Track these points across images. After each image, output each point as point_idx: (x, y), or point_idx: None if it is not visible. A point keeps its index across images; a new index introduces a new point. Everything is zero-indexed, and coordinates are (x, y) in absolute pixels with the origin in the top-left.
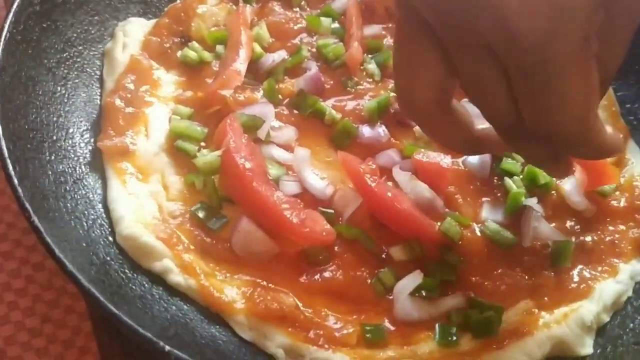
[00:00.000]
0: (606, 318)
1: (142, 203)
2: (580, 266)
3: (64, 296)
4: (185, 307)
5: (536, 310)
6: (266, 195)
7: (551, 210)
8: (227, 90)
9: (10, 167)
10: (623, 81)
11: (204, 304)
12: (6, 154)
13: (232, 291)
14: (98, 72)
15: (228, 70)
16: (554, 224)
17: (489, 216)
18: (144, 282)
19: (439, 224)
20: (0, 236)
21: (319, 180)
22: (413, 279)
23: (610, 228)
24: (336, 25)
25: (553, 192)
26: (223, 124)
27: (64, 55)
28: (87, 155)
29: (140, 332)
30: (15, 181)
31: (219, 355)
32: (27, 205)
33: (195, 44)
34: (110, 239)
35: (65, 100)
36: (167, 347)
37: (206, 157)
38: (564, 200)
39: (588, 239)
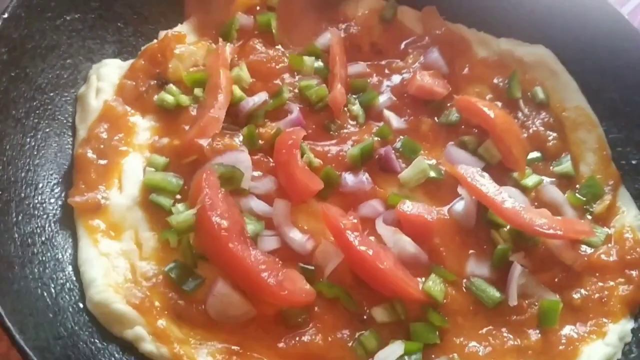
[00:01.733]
0: None
1: (114, 264)
2: (567, 326)
3: None
4: None
5: None
6: (242, 257)
7: (539, 262)
8: (204, 139)
9: None
10: (614, 123)
11: None
12: None
13: (206, 359)
14: (70, 119)
15: (206, 117)
16: (541, 278)
17: (475, 270)
18: (115, 352)
19: (423, 279)
20: None
21: (299, 235)
22: (393, 351)
23: (600, 284)
24: (320, 63)
25: (541, 245)
26: (199, 179)
27: (34, 103)
28: (58, 212)
29: None
30: None
31: None
32: None
33: (172, 87)
34: (80, 305)
35: (35, 153)
36: None
37: (180, 215)
38: (551, 252)
39: (576, 295)
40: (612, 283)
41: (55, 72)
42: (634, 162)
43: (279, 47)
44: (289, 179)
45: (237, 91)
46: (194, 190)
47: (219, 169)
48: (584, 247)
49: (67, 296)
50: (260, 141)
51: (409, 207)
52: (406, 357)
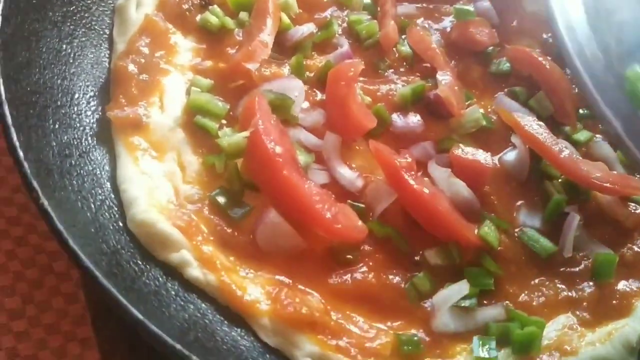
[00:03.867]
0: None
1: (157, 184)
2: (622, 281)
3: (49, 275)
4: (203, 305)
5: (577, 327)
6: (297, 185)
7: (590, 218)
8: (252, 63)
9: (15, 137)
10: None
11: (224, 302)
12: (10, 121)
13: (255, 290)
14: (107, 31)
15: (254, 41)
16: (591, 233)
17: (526, 221)
18: (158, 276)
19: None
20: None
21: (349, 171)
22: (458, 290)
23: None
24: (368, 0)
25: (592, 200)
26: (250, 102)
27: (71, 8)
28: (94, 126)
29: (169, 343)
30: (21, 154)
31: None
32: (35, 183)
33: (216, 8)
34: (120, 224)
35: (71, 61)
36: None
37: (231, 137)
38: (603, 208)
39: (628, 252)
40: None
41: None
42: None
43: None
44: (343, 113)
45: (285, 19)
46: (245, 113)
47: (268, 95)
48: (633, 205)
49: (106, 213)
50: (307, 73)
51: (463, 151)
52: (462, 302)
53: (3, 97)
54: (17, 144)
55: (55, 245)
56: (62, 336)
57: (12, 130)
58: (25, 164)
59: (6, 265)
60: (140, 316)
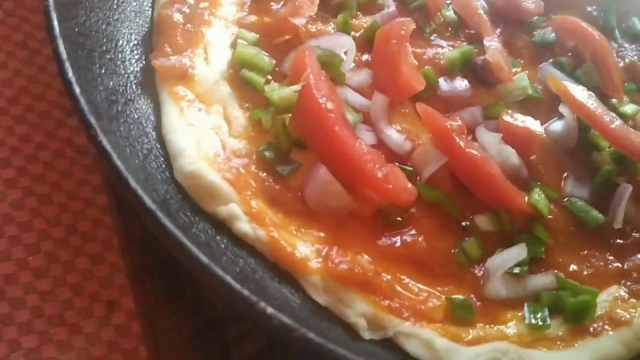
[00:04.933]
0: None
1: (203, 136)
2: None
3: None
4: (253, 261)
5: (629, 299)
6: (349, 143)
7: (637, 192)
8: (299, 18)
9: (70, 72)
10: None
11: (274, 259)
12: (64, 56)
13: (305, 248)
14: None
15: None
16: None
17: (574, 191)
18: (207, 228)
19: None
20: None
21: (396, 133)
22: (516, 255)
23: None
24: None
25: None
26: (300, 56)
27: None
28: (138, 74)
29: (237, 289)
30: (77, 89)
31: (296, 320)
32: (92, 120)
33: None
34: (167, 174)
35: (115, 7)
36: (270, 309)
37: (281, 91)
38: None
39: None
40: None
41: None
42: None
43: None
44: (392, 73)
45: None
46: (295, 68)
47: (316, 52)
48: None
49: (153, 163)
50: (352, 32)
51: (513, 117)
52: (512, 268)
53: (57, 31)
54: (72, 78)
55: (80, 204)
56: (87, 297)
57: (67, 65)
58: (82, 100)
59: (30, 222)
60: (206, 260)
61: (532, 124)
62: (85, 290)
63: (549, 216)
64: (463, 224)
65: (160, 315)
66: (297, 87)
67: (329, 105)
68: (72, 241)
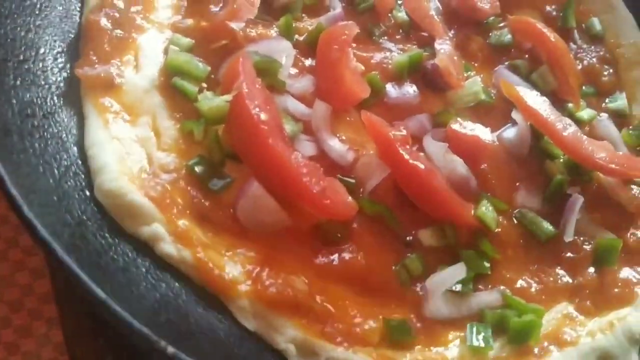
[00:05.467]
0: None
1: (128, 150)
2: (625, 268)
3: (14, 249)
4: (176, 285)
5: (577, 316)
6: (283, 156)
7: (591, 201)
8: (237, 22)
9: None
10: None
11: (200, 282)
12: None
13: (234, 268)
14: None
15: None
16: (592, 217)
17: (525, 202)
18: (128, 251)
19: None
20: None
21: (339, 144)
22: (454, 274)
23: None
24: None
25: (595, 182)
26: (234, 63)
27: None
28: (61, 84)
29: (136, 328)
30: None
31: (217, 350)
32: None
33: None
34: (87, 192)
35: (37, 12)
36: (170, 349)
37: (212, 101)
38: (606, 191)
39: (631, 237)
40: None
41: None
42: None
43: None
44: (334, 80)
45: None
46: (228, 76)
47: (254, 57)
48: (635, 189)
49: (72, 181)
50: (296, 36)
51: (462, 126)
52: (455, 285)
53: None
54: None
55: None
56: (27, 314)
57: None
58: None
59: None
60: (103, 296)
61: (482, 132)
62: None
63: (497, 229)
64: (407, 239)
65: (84, 345)
66: (228, 97)
67: (263, 116)
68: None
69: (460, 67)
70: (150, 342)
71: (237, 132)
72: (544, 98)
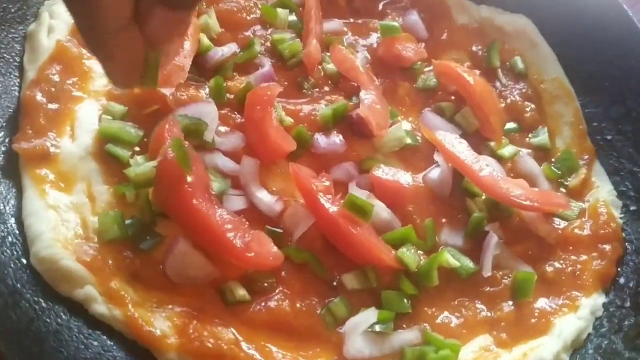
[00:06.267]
0: (565, 358)
1: (64, 218)
2: (541, 299)
3: None
4: (109, 342)
5: (494, 348)
6: (207, 215)
7: (512, 234)
8: (167, 88)
9: None
10: (591, 98)
11: (131, 337)
12: None
13: (163, 324)
14: (17, 59)
15: (170, 65)
16: (514, 250)
17: (448, 240)
18: (61, 313)
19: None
20: None
21: (267, 196)
22: (366, 318)
23: (573, 257)
24: (293, 17)
25: (516, 217)
26: (161, 129)
27: None
28: (0, 158)
29: None
30: None
31: None
32: None
33: None
34: (23, 260)
35: None
36: None
37: (139, 167)
38: (526, 224)
39: (549, 268)
40: (585, 257)
41: (2, 5)
42: (609, 137)
43: None
44: (260, 137)
45: (205, 40)
46: (155, 141)
47: (182, 121)
48: (557, 221)
49: (8, 250)
50: (228, 95)
51: (384, 172)
52: (377, 326)
53: None
54: None
55: None
56: None
57: None
58: None
59: None
60: None
61: (402, 177)
62: None
63: (416, 269)
64: (333, 283)
65: None
66: (154, 162)
67: (188, 178)
68: None
69: (384, 115)
70: None
71: (164, 194)
72: (462, 140)
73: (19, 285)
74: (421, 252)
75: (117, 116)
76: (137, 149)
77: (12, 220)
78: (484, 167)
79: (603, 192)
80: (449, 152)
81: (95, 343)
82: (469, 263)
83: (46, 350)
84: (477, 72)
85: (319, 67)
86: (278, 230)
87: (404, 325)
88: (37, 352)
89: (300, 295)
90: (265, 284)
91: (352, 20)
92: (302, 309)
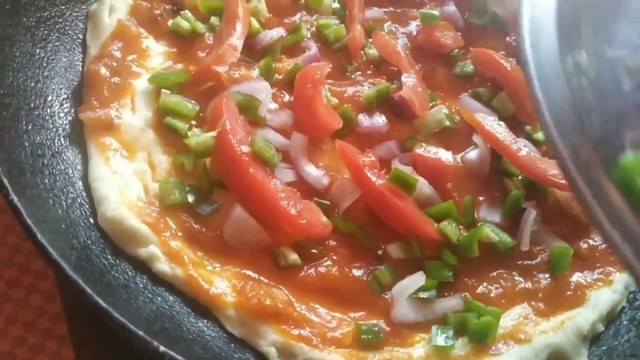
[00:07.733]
0: (601, 328)
1: (127, 183)
2: (576, 273)
3: (26, 275)
4: (171, 298)
5: (533, 317)
6: (263, 183)
7: (548, 214)
8: (222, 66)
9: None
10: None
11: (192, 295)
12: None
13: (222, 283)
14: (81, 36)
15: (224, 44)
16: (549, 229)
17: (487, 216)
18: (127, 270)
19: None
20: None
21: (315, 169)
22: (415, 281)
23: None
24: (337, 5)
25: (551, 197)
26: (218, 103)
27: (45, 14)
28: (67, 127)
29: (132, 330)
30: None
31: (207, 352)
32: (5, 181)
33: (188, 13)
34: (91, 220)
35: (45, 65)
36: (162, 348)
37: (199, 137)
38: (561, 204)
39: (584, 245)
40: None
41: None
42: None
43: None
44: (309, 114)
45: (255, 23)
46: (213, 114)
47: (236, 97)
48: None
49: (77, 211)
50: (276, 75)
51: (426, 150)
52: (421, 293)
53: None
54: None
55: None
56: (39, 333)
57: None
58: None
59: None
60: (105, 305)
61: (444, 155)
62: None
63: (458, 242)
64: (378, 252)
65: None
66: (213, 133)
67: (244, 149)
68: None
69: (425, 97)
70: (145, 342)
71: (222, 163)
72: (501, 122)
73: (89, 242)
74: (461, 227)
75: (175, 91)
76: (193, 122)
77: (80, 183)
78: (522, 148)
79: None
80: (488, 133)
81: (159, 299)
82: (507, 238)
83: (118, 301)
84: (511, 60)
85: (361, 52)
86: (325, 202)
87: (446, 294)
88: (111, 301)
89: (347, 263)
90: (315, 251)
91: (392, 9)
92: (350, 274)
